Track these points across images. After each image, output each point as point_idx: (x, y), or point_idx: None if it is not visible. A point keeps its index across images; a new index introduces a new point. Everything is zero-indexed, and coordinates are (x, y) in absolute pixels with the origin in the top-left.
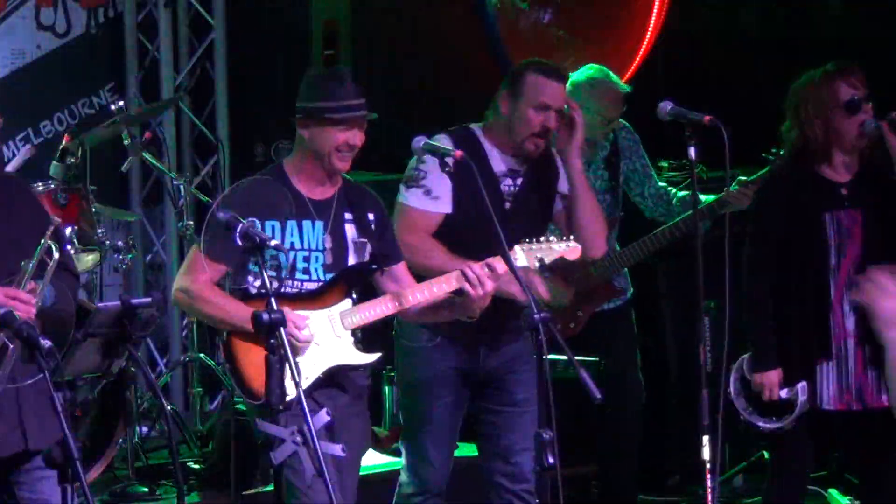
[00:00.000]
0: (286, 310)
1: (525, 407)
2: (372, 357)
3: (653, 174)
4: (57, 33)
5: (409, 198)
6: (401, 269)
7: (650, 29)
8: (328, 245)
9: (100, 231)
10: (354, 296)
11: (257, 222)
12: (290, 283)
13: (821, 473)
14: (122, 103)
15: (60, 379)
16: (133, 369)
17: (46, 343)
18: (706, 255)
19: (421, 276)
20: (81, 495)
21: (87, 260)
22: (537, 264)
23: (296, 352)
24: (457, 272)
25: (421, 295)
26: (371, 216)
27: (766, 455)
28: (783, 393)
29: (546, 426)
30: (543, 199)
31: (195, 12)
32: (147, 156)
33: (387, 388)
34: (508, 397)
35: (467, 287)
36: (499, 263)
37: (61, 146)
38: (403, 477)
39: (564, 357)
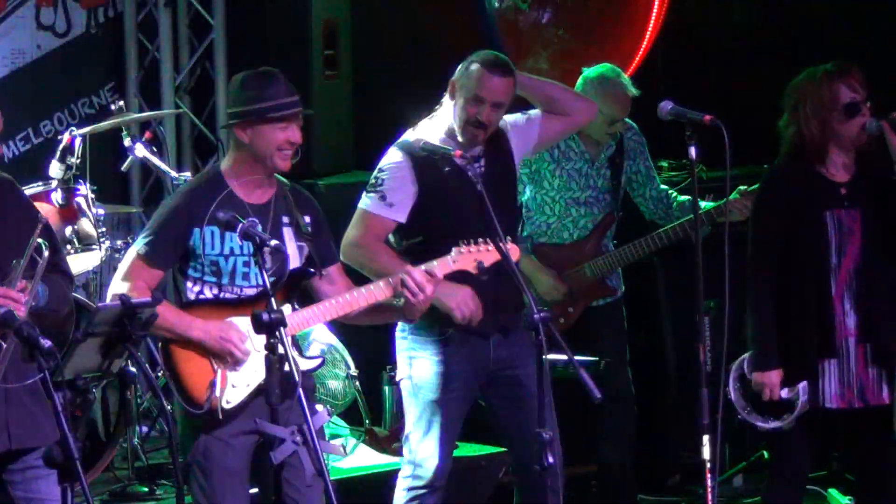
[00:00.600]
0: (234, 324)
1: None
2: (313, 363)
3: (656, 177)
4: (57, 33)
5: (366, 202)
6: (336, 270)
7: (650, 29)
8: None
9: (100, 231)
10: (294, 301)
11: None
12: (230, 289)
13: (821, 473)
14: (122, 103)
15: (60, 379)
16: (133, 369)
17: (46, 343)
18: (706, 254)
19: (364, 277)
20: (81, 495)
21: (87, 260)
22: (476, 268)
23: (237, 362)
24: (394, 278)
25: (354, 300)
26: (307, 219)
27: (766, 455)
28: (783, 393)
29: (545, 426)
30: (507, 176)
31: (195, 12)
32: (147, 155)
33: (386, 388)
34: (522, 391)
35: (407, 294)
36: (438, 269)
37: (61, 146)
38: (407, 471)
39: (564, 357)
